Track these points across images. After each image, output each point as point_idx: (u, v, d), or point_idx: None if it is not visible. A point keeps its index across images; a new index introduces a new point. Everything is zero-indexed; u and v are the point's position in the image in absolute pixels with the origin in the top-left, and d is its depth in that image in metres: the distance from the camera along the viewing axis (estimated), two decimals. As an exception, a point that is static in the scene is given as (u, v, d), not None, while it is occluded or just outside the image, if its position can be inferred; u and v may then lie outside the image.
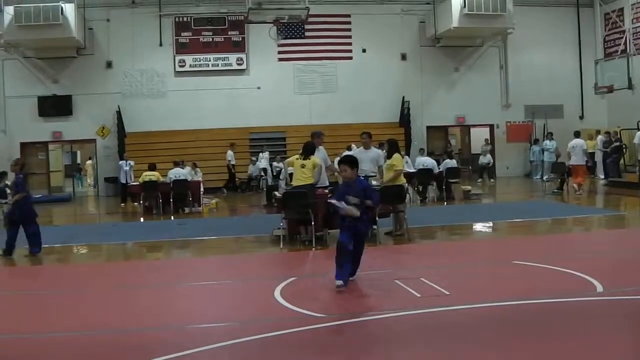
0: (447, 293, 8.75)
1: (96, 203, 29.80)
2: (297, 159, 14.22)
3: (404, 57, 32.94)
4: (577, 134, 24.34)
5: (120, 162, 26.48)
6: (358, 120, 29.20)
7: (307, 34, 31.85)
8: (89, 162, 38.07)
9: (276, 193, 15.43)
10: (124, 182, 25.41)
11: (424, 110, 32.54)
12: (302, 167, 13.94)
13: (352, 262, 9.55)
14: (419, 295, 8.67)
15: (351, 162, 9.73)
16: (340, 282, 9.11)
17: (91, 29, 30.93)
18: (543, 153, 30.14)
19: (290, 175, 14.85)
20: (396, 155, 14.62)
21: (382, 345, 6.81)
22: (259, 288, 9.59)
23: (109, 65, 31.31)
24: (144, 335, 7.35)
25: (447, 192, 22.63)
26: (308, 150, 14.17)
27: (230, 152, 29.04)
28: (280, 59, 32.03)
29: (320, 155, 14.26)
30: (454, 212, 19.69)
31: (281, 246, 13.50)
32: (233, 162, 28.90)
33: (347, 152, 19.97)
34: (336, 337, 7.16)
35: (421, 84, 32.62)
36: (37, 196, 28.45)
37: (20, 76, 30.67)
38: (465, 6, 29.48)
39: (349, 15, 32.34)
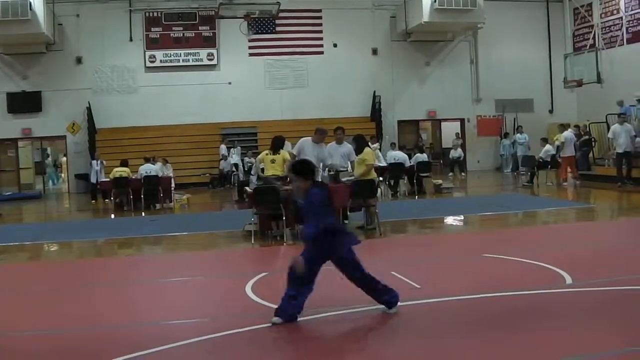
0: (418, 286, 8.81)
1: (67, 200, 29.59)
2: (266, 154, 14.26)
3: (375, 51, 33.07)
4: (566, 127, 24.65)
5: (92, 162, 26.28)
6: (329, 115, 29.25)
7: (278, 29, 31.86)
8: (64, 158, 37.82)
9: (247, 188, 15.40)
10: (94, 181, 25.22)
11: (395, 105, 32.69)
12: (272, 162, 14.01)
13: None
14: (389, 289, 8.71)
15: (299, 172, 7.69)
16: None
17: (60, 24, 30.69)
18: (514, 146, 30.39)
19: (262, 170, 14.83)
20: (367, 150, 14.67)
21: (354, 339, 6.84)
22: (230, 284, 9.59)
23: (79, 61, 31.13)
24: (115, 332, 7.30)
25: (419, 186, 22.73)
26: (277, 145, 14.21)
27: (223, 147, 28.94)
28: (251, 54, 32.03)
29: (317, 153, 14.05)
30: (425, 206, 19.78)
31: (252, 242, 13.49)
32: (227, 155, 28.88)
33: None
34: (306, 332, 7.15)
35: (392, 79, 32.77)
36: (6, 193, 28.37)
37: (-13, 72, 30.39)
38: (435, 1, 29.60)
39: (319, 10, 32.39)
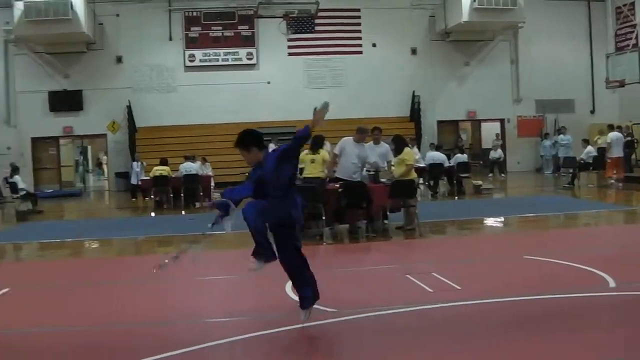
0: (459, 288, 8.74)
1: (107, 198, 29.85)
2: (306, 154, 14.20)
3: (414, 51, 32.92)
4: (614, 127, 24.36)
5: (133, 163, 26.50)
6: (368, 115, 29.08)
7: (316, 28, 31.66)
8: (104, 157, 38.24)
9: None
10: (135, 182, 25.42)
11: (434, 105, 32.48)
12: (312, 162, 13.96)
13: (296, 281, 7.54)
14: (430, 290, 8.67)
15: (242, 142, 7.25)
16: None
17: (101, 24, 30.99)
18: (555, 147, 30.08)
19: (301, 170, 14.77)
20: (407, 149, 14.61)
21: (394, 340, 6.78)
22: (269, 282, 9.54)
23: (119, 60, 31.39)
24: (156, 329, 7.34)
25: (458, 187, 22.60)
26: (316, 144, 14.16)
27: (272, 146, 28.86)
28: (290, 54, 32.05)
29: (358, 152, 14.03)
30: (465, 207, 19.68)
31: (292, 240, 13.48)
32: None
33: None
34: (347, 331, 7.12)
35: (431, 79, 32.52)
36: (48, 191, 28.71)
37: (30, 71, 30.83)
38: (475, 0, 29.38)
39: (358, 10, 32.30)
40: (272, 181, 6.96)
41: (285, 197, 7.01)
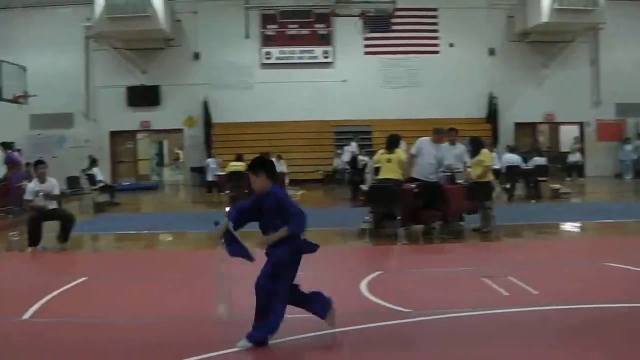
0: (536, 292, 8.55)
1: (183, 192, 30.24)
2: (382, 154, 14.10)
3: (491, 52, 32.52)
4: None
5: (208, 160, 26.78)
6: (444, 116, 28.73)
7: (393, 27, 31.68)
8: (179, 151, 38.76)
9: (363, 186, 15.36)
10: (210, 179, 25.68)
11: (511, 107, 31.99)
12: (389, 162, 13.83)
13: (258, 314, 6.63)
14: (506, 294, 8.51)
15: (256, 167, 6.84)
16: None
17: (179, 20, 31.45)
18: (636, 152, 29.41)
19: (377, 169, 14.68)
20: (484, 151, 14.41)
21: (468, 343, 6.65)
22: (344, 281, 9.54)
23: (197, 56, 31.80)
24: (230, 322, 7.37)
25: (535, 190, 22.22)
26: (392, 144, 14.03)
27: (354, 144, 28.80)
28: (366, 53, 32.00)
29: (436, 153, 13.88)
30: (542, 211, 19.30)
31: (366, 240, 13.45)
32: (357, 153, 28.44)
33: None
34: (421, 333, 7.04)
35: (509, 80, 32.07)
36: (125, 183, 29.24)
37: (110, 67, 31.52)
38: (555, 1, 28.86)
39: (435, 9, 32.10)
40: (273, 216, 6.83)
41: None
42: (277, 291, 6.56)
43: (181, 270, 11.01)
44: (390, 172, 13.74)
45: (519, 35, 32.16)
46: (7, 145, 23.23)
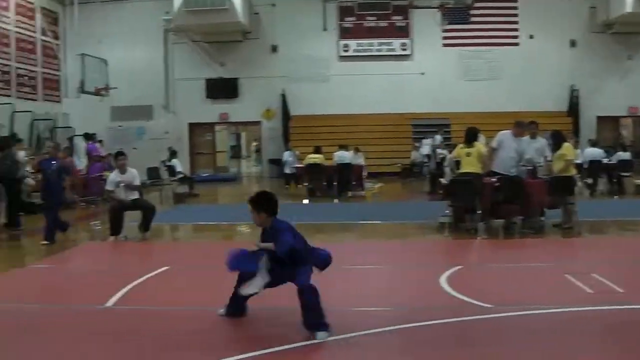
0: (621, 291, 8.33)
1: (260, 184, 30.45)
2: (461, 148, 13.91)
3: (573, 43, 31.76)
4: None
5: (285, 153, 26.88)
6: (524, 109, 28.15)
7: (472, 19, 31.21)
8: (254, 143, 39.09)
9: (442, 180, 15.23)
10: (287, 172, 25.78)
11: (593, 100, 31.19)
12: (468, 156, 13.63)
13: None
14: (590, 291, 8.32)
15: (257, 205, 6.93)
16: None
17: (257, 13, 31.64)
18: None
19: (457, 163, 14.52)
20: (566, 145, 14.11)
21: (549, 340, 6.50)
22: (424, 274, 9.47)
23: (274, 49, 31.95)
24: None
25: (619, 186, 21.69)
26: (470, 137, 13.82)
27: (438, 137, 28.60)
28: (445, 45, 31.66)
29: (516, 146, 13.71)
30: (626, 207, 18.80)
31: (445, 234, 13.34)
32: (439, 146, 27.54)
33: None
34: (503, 328, 6.92)
35: (591, 72, 31.23)
36: (203, 175, 29.60)
37: (188, 59, 31.94)
38: (641, -10, 28.08)
39: (515, 0, 31.52)
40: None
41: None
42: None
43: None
44: (470, 166, 13.56)
45: (602, 26, 31.32)
46: (89, 137, 23.73)
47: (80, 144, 25.56)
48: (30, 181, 18.38)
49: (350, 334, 6.51)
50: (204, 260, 11.16)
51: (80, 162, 23.59)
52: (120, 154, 14.14)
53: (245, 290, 6.83)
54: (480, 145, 13.87)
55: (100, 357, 6.16)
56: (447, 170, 18.43)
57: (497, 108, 29.27)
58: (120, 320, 7.43)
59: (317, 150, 22.74)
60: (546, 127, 17.73)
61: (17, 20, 27.44)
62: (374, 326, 6.76)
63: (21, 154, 17.39)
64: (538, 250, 11.92)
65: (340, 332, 6.54)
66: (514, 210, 13.54)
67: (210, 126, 33.28)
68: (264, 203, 6.86)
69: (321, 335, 6.42)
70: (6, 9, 26.63)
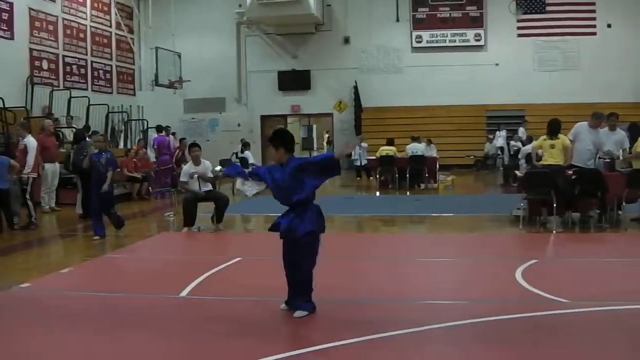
0: None
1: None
2: (544, 139, 13.55)
3: (653, 32, 30.88)
4: None
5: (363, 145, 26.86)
6: (602, 100, 27.47)
7: (547, 8, 30.71)
8: (326, 135, 39.14)
9: (517, 172, 14.96)
10: (358, 164, 25.74)
11: (676, 90, 30.29)
12: (552, 148, 13.26)
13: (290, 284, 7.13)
14: (672, 287, 8.07)
15: (276, 139, 7.01)
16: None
17: (329, 5, 31.73)
18: None
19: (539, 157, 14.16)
20: (648, 137, 13.72)
21: (629, 337, 6.27)
22: (498, 268, 9.30)
23: (346, 41, 31.91)
24: (380, 307, 7.29)
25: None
26: (554, 129, 13.47)
27: (522, 129, 28.22)
28: (520, 35, 31.15)
29: (593, 138, 13.37)
30: None
31: (520, 227, 13.09)
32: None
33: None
34: (579, 324, 6.70)
35: (673, 62, 30.39)
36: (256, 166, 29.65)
37: (261, 52, 32.16)
38: None
39: (593, -12, 30.82)
40: (285, 189, 6.93)
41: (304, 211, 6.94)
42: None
43: (331, 253, 11.01)
44: (552, 158, 13.21)
45: (685, 14, 30.41)
46: (161, 129, 24.03)
47: (153, 136, 25.95)
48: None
49: (424, 326, 6.41)
50: (276, 251, 11.14)
51: (153, 154, 23.93)
52: (194, 145, 14.23)
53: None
54: (564, 137, 13.46)
55: (174, 345, 6.19)
56: (521, 162, 18.13)
57: (573, 99, 28.66)
58: (194, 309, 7.48)
59: (390, 142, 22.64)
60: (625, 118, 17.32)
61: (92, 16, 27.98)
62: (448, 319, 6.66)
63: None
64: (616, 245, 11.62)
65: (415, 325, 6.45)
66: (591, 203, 13.25)
67: (282, 118, 33.38)
68: (281, 139, 6.98)
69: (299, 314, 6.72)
70: (83, 4, 27.15)
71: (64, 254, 12.15)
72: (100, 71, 28.72)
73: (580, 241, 12.28)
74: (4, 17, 22.18)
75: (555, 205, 12.73)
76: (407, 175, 21.82)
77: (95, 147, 13.86)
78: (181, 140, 23.95)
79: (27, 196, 14.70)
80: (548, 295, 7.56)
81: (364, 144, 26.06)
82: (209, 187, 13.78)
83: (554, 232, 12.66)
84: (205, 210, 14.06)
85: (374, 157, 23.16)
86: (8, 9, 22.37)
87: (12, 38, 22.59)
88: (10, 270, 10.07)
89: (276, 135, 7.04)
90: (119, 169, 14.80)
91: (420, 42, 31.59)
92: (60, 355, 5.98)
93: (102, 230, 12.88)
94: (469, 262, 10.04)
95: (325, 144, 43.12)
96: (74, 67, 26.60)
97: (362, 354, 5.88)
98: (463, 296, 7.80)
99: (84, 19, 27.30)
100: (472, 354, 5.85)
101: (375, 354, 5.84)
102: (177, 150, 23.16)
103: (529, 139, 22.50)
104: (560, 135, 13.26)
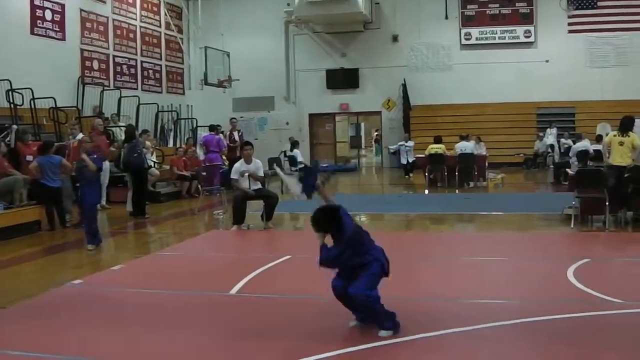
0: None
1: (381, 174, 30.41)
2: (614, 135, 13.28)
3: None
4: None
5: (400, 143, 26.72)
6: (655, 97, 27.23)
7: (599, 3, 30.23)
8: (375, 133, 39.07)
9: (568, 170, 14.75)
10: (404, 162, 25.68)
11: None
12: (621, 145, 13.01)
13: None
14: None
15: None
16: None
17: (377, 3, 31.72)
18: None
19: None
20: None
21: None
22: (550, 267, 9.19)
23: (395, 39, 31.81)
24: (430, 306, 7.25)
25: None
26: (626, 126, 13.19)
27: (553, 131, 27.99)
28: (571, 31, 30.67)
29: None
30: None
31: (572, 226, 12.92)
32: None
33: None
34: (633, 325, 6.57)
35: None
36: (324, 165, 29.77)
37: (309, 50, 32.19)
38: None
39: (646, -17, 30.26)
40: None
41: None
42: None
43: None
44: (620, 156, 12.93)
45: None
46: (213, 128, 24.17)
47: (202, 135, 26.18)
48: (155, 171, 19.03)
49: (475, 326, 6.36)
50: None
51: (201, 153, 24.10)
52: (246, 144, 14.32)
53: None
54: (635, 135, 13.14)
55: (220, 342, 6.22)
56: (572, 160, 17.89)
57: (625, 96, 28.22)
58: (244, 307, 7.53)
59: (438, 140, 22.50)
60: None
61: (142, 16, 28.26)
62: (499, 319, 6.59)
63: (147, 145, 17.93)
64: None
65: (466, 324, 6.41)
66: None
67: (330, 116, 33.40)
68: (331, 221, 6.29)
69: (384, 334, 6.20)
70: (132, 5, 27.45)
71: (115, 251, 12.27)
72: (150, 71, 29.01)
73: (633, 240, 12.06)
74: (55, 19, 22.51)
75: (608, 204, 12.54)
76: (456, 174, 21.68)
77: (82, 148, 12.55)
78: (231, 120, 24.56)
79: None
80: (601, 295, 7.45)
81: (410, 143, 25.98)
82: (259, 185, 13.83)
83: (607, 231, 12.47)
84: (254, 208, 14.13)
85: (422, 156, 23.03)
86: (60, 10, 22.71)
87: (63, 39, 22.93)
88: (63, 267, 10.23)
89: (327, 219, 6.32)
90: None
91: (469, 39, 31.35)
92: (110, 351, 6.05)
93: (94, 240, 11.83)
94: (520, 261, 9.93)
95: (373, 142, 43.06)
96: (124, 67, 26.91)
97: (414, 353, 5.86)
98: (514, 295, 7.72)
99: (133, 19, 27.60)
100: (524, 353, 5.78)
101: (428, 354, 5.83)
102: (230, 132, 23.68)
103: (579, 137, 22.25)
104: (631, 133, 12.96)
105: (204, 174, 18.06)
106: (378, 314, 6.20)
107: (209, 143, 21.79)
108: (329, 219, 6.25)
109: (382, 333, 6.15)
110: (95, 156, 12.14)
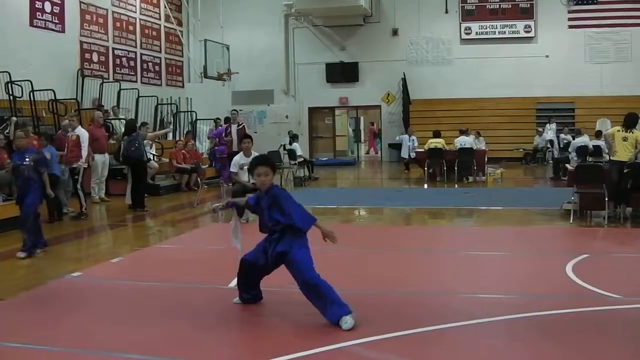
0: None
1: (380, 168, 30.41)
2: (618, 130, 13.27)
3: None
4: None
5: (403, 137, 26.72)
6: (655, 93, 27.22)
7: (600, -1, 30.24)
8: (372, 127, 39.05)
9: (568, 166, 14.75)
10: (405, 156, 25.69)
11: None
12: (624, 140, 13.01)
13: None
14: None
15: (273, 166, 6.98)
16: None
17: (378, -4, 31.58)
18: None
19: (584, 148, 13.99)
20: None
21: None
22: (549, 262, 9.20)
23: (395, 32, 31.82)
24: (429, 300, 7.25)
25: None
26: (630, 123, 13.19)
27: (553, 126, 28.00)
28: (571, 26, 30.69)
29: None
30: None
31: (571, 221, 12.92)
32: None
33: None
34: (631, 320, 6.57)
35: None
36: (323, 159, 29.80)
37: (309, 44, 32.24)
38: None
39: (647, -22, 30.23)
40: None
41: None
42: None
43: (379, 245, 10.99)
44: (625, 152, 12.94)
45: None
46: (227, 120, 24.19)
47: (203, 128, 26.13)
48: (154, 164, 19.04)
49: (473, 320, 6.38)
50: (319, 242, 11.14)
51: (202, 146, 24.09)
52: (245, 137, 14.29)
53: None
54: (638, 132, 13.16)
55: (217, 335, 6.24)
56: (572, 155, 17.90)
57: (625, 91, 28.23)
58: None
59: (437, 135, 22.51)
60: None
61: (142, 8, 28.27)
62: (498, 313, 6.59)
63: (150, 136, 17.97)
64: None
65: (464, 319, 6.42)
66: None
67: (330, 110, 33.41)
68: (275, 166, 7.00)
69: (347, 320, 6.16)
70: (132, -3, 27.45)
71: (114, 243, 12.29)
72: (150, 63, 29.00)
73: (632, 236, 12.07)
74: (55, 11, 22.48)
75: (607, 199, 12.55)
76: (456, 168, 21.67)
77: (15, 145, 11.17)
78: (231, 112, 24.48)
79: (79, 186, 14.89)
80: (599, 291, 7.46)
81: (413, 137, 25.97)
82: (259, 178, 13.78)
83: (606, 226, 12.48)
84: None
85: (422, 150, 23.05)
86: (59, 2, 22.68)
87: (63, 31, 22.91)
88: (62, 260, 10.22)
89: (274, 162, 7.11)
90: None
91: (469, 33, 31.34)
92: (108, 343, 6.03)
93: (36, 243, 10.54)
94: (519, 256, 9.94)
95: (371, 135, 42.93)
96: (124, 59, 26.91)
97: (413, 347, 5.84)
98: (512, 290, 7.72)
99: (133, 12, 27.59)
100: (523, 348, 5.77)
101: (427, 347, 5.82)
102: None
103: (578, 133, 22.24)
104: (635, 130, 12.99)
105: (219, 165, 18.11)
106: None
107: (220, 136, 21.82)
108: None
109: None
110: (28, 155, 10.59)
